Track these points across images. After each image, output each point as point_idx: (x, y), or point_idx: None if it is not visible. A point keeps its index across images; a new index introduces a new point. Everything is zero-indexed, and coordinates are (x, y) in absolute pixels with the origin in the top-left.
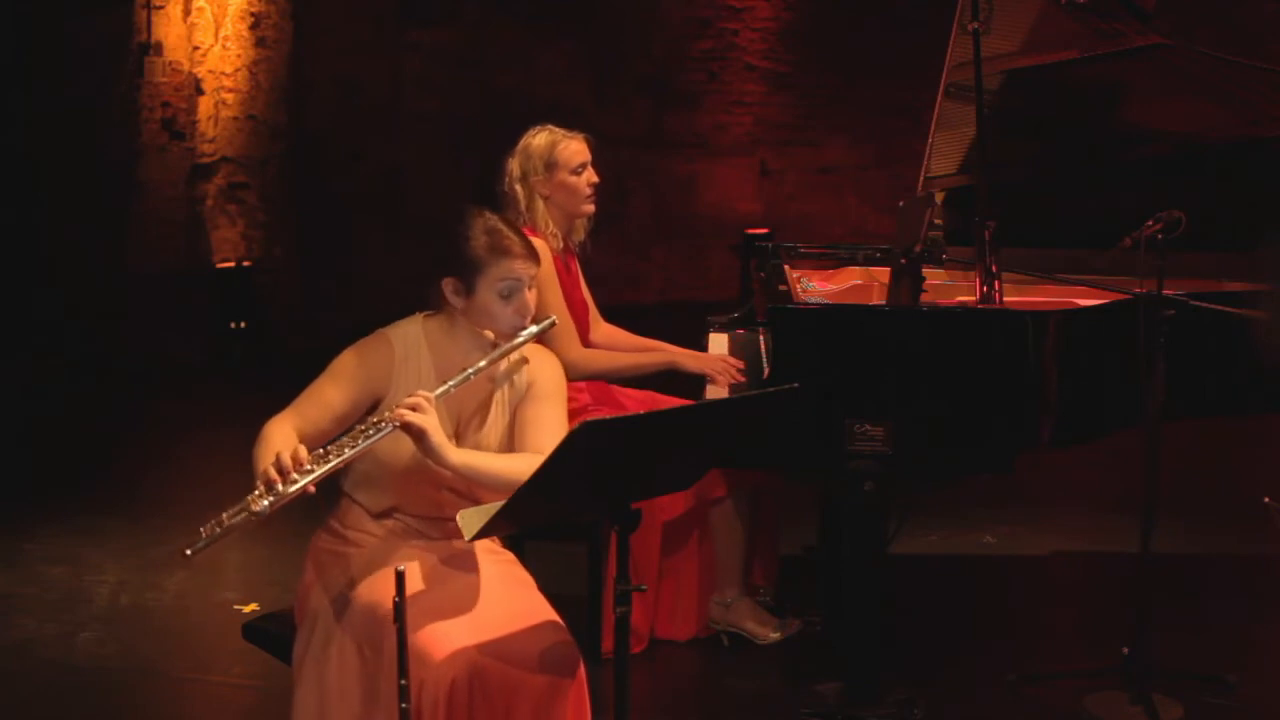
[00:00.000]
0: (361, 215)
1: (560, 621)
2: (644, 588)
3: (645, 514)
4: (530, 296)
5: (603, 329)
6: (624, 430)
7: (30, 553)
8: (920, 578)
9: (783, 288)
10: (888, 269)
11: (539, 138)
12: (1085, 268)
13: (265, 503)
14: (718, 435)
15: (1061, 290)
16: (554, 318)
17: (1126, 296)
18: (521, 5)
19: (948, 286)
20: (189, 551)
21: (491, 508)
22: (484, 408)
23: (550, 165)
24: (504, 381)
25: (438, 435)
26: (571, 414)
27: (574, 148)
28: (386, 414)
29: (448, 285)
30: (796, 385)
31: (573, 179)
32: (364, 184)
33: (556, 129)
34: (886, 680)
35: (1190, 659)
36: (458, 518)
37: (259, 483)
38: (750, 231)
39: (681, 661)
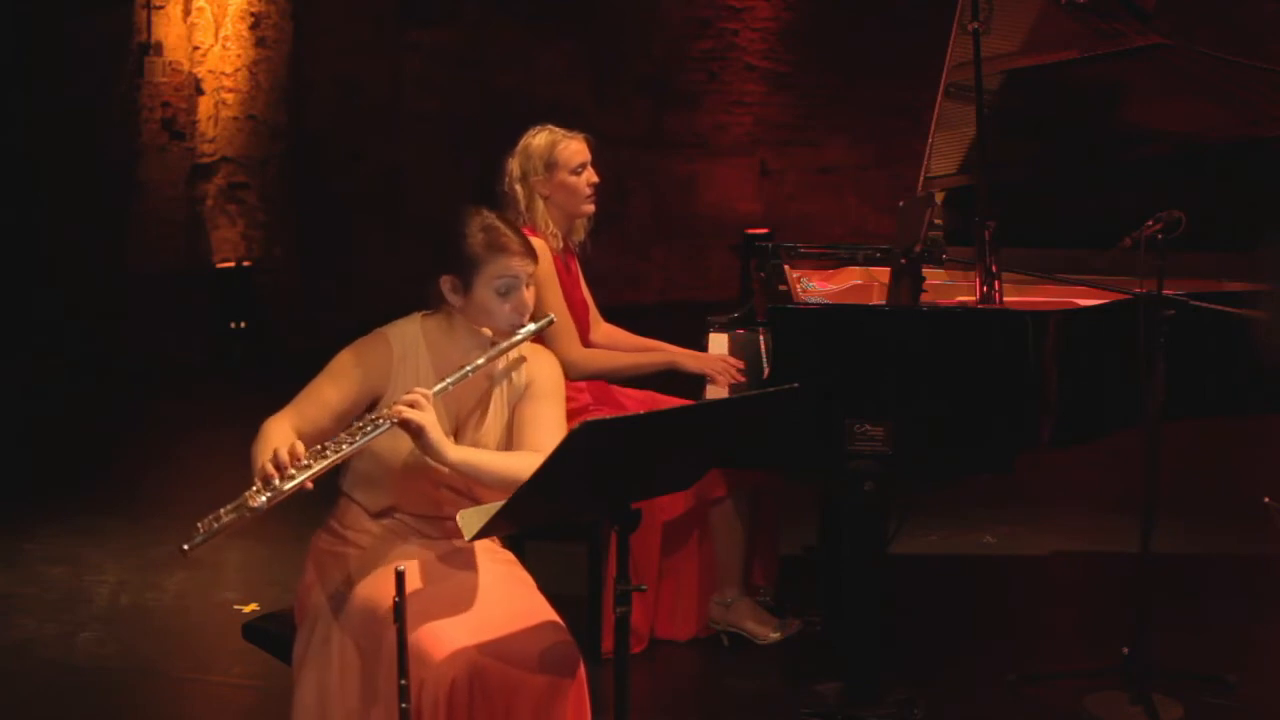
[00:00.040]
0: (361, 215)
1: (560, 621)
2: (644, 588)
3: (645, 514)
4: (528, 294)
5: (603, 329)
6: (624, 430)
7: (30, 553)
8: (920, 578)
9: (783, 288)
10: (888, 269)
11: (539, 138)
12: (1085, 268)
13: (263, 499)
14: (718, 435)
15: (1061, 290)
16: (552, 316)
17: (1126, 296)
18: (521, 5)
19: (948, 286)
20: (186, 547)
21: (491, 508)
22: (483, 406)
23: (550, 165)
24: (502, 379)
25: (436, 432)
26: (571, 414)
27: (574, 148)
28: (384, 411)
29: (445, 283)
30: (796, 385)
31: (573, 179)
32: (364, 184)
33: (556, 129)
34: (886, 680)
35: (1190, 659)
36: (458, 518)
37: (256, 479)
38: (750, 231)
39: (681, 661)
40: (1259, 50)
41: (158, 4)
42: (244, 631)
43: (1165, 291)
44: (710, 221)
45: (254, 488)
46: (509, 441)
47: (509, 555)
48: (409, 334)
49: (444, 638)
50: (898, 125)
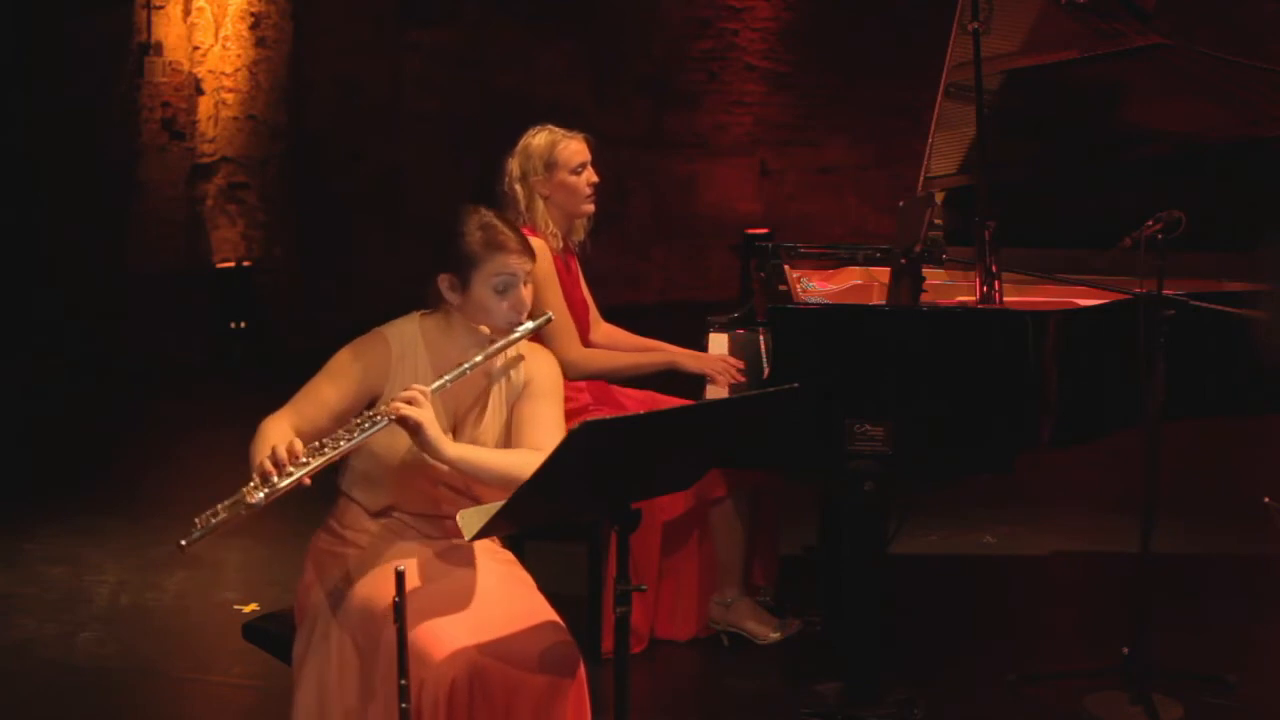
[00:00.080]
0: (361, 215)
1: (560, 621)
2: (644, 588)
3: (645, 514)
4: (525, 292)
5: (603, 329)
6: (624, 430)
7: (30, 553)
8: (920, 578)
9: (783, 288)
10: (888, 269)
11: (539, 138)
12: (1085, 268)
13: (260, 495)
14: (718, 435)
15: (1061, 290)
16: (550, 314)
17: (1126, 296)
18: (521, 5)
19: (948, 286)
20: (184, 542)
21: (491, 508)
22: (481, 404)
23: (550, 165)
24: (500, 377)
25: (433, 428)
26: (571, 414)
27: (574, 147)
28: (382, 407)
29: (443, 281)
30: (796, 385)
31: (572, 179)
32: (364, 184)
33: (556, 129)
34: (886, 680)
35: (1190, 659)
36: (458, 518)
37: (254, 475)
38: (750, 231)
39: (681, 661)
40: (1259, 50)
41: (158, 4)
42: (244, 631)
43: (1165, 291)
44: (710, 221)
45: (251, 484)
46: (507, 440)
47: (509, 555)
48: (407, 333)
49: (444, 638)
50: (898, 125)
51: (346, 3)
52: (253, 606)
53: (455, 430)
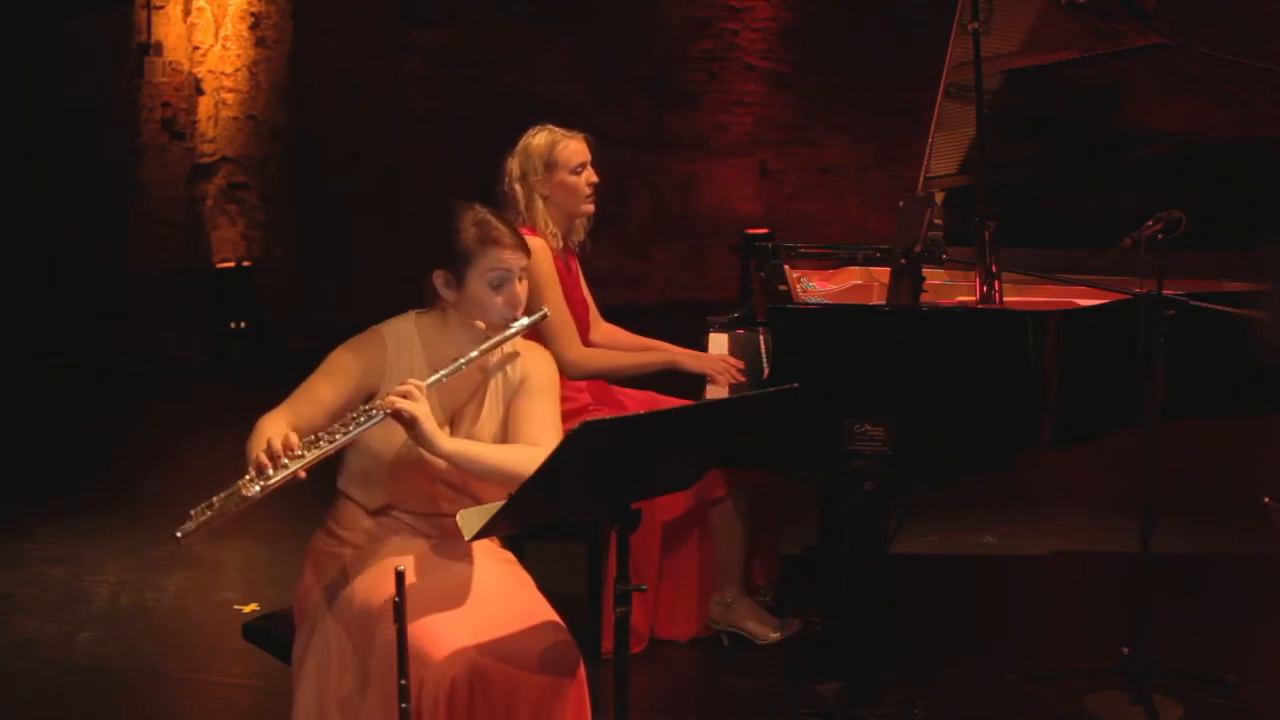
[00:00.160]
0: (361, 215)
1: (560, 621)
2: (644, 588)
3: (645, 514)
4: (520, 288)
5: (603, 329)
6: (624, 430)
7: (30, 553)
8: (920, 578)
9: (783, 288)
10: (888, 269)
11: (539, 137)
12: (1085, 268)
13: (256, 487)
14: (718, 435)
15: (1061, 290)
16: (545, 310)
17: (1126, 296)
18: (521, 5)
19: (948, 286)
20: (180, 534)
21: (491, 508)
22: (477, 400)
23: (550, 165)
24: (496, 373)
25: (429, 423)
26: (571, 414)
27: (574, 147)
28: (378, 402)
29: (439, 278)
30: (796, 385)
31: (572, 179)
32: (364, 184)
33: (556, 129)
34: (886, 680)
35: (1190, 659)
36: (457, 518)
37: (250, 468)
38: (750, 231)
39: (681, 661)
40: (1259, 50)
41: (158, 4)
42: (244, 631)
43: (1165, 291)
44: (710, 221)
45: (247, 476)
46: (504, 436)
47: (509, 555)
48: (403, 331)
49: (444, 637)
50: (898, 125)
51: (346, 3)
52: (253, 606)
53: (452, 426)
